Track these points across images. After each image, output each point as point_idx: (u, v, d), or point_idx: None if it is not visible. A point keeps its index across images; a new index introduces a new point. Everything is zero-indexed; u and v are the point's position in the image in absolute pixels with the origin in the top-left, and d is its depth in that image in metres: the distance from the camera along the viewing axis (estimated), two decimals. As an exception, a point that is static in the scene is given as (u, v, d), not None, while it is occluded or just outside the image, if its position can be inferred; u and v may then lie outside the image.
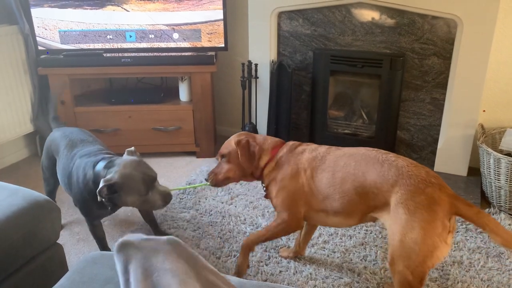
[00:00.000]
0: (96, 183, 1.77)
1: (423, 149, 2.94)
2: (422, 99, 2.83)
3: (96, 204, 1.83)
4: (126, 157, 1.83)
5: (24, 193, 1.64)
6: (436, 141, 2.87)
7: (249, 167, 1.81)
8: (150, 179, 1.77)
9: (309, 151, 1.76)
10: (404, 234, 1.45)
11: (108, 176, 1.72)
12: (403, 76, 2.81)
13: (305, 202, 1.72)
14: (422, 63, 2.75)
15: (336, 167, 1.65)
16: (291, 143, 1.84)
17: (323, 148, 1.76)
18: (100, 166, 1.80)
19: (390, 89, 2.81)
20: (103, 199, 1.71)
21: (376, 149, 1.67)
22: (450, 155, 2.80)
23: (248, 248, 1.83)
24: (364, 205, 1.60)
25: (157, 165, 3.04)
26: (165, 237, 1.08)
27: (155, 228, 2.26)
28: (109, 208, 1.83)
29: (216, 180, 1.86)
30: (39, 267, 1.64)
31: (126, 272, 0.98)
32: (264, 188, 1.85)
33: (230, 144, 1.86)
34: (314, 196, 1.69)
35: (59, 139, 2.13)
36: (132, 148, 1.89)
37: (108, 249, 2.08)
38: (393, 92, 2.82)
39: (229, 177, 1.85)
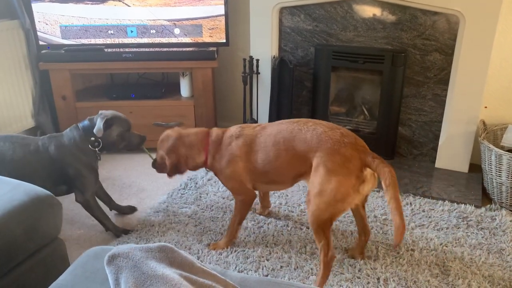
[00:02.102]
0: (86, 131, 2.10)
1: (424, 146, 2.94)
2: (423, 95, 2.83)
3: (90, 156, 2.12)
4: (104, 111, 2.17)
5: (26, 188, 1.64)
6: (437, 137, 2.86)
7: (179, 171, 2.08)
8: (130, 123, 2.21)
9: (235, 135, 1.98)
10: (322, 184, 1.73)
11: (102, 116, 2.10)
12: (405, 72, 2.80)
13: (249, 180, 1.98)
14: (424, 59, 2.74)
15: (267, 146, 1.90)
16: (214, 133, 2.05)
17: (248, 130, 1.98)
18: (83, 123, 2.13)
19: (392, 85, 2.81)
20: (92, 138, 2.08)
21: (296, 120, 1.93)
22: (452, 152, 2.80)
23: (232, 236, 2.11)
24: (295, 172, 1.89)
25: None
26: (156, 244, 1.06)
27: (118, 208, 2.43)
28: (98, 150, 2.13)
29: (164, 172, 2.13)
30: (40, 262, 1.64)
31: (117, 283, 0.97)
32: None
33: (162, 149, 2.09)
34: (254, 174, 1.96)
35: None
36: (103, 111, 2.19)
37: (112, 224, 2.24)
38: (395, 88, 2.82)
39: (172, 172, 2.09)
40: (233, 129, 2.03)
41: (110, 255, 0.98)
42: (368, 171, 1.75)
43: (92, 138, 2.10)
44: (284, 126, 1.91)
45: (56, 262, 1.72)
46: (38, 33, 2.96)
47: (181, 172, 2.09)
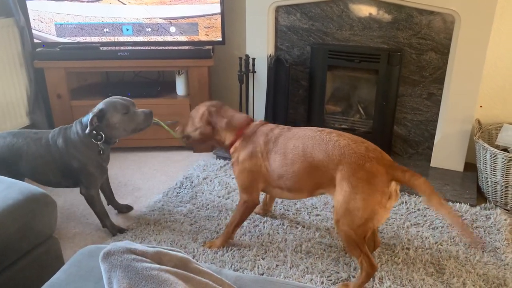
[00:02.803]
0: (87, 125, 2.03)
1: (419, 145, 2.94)
2: (419, 95, 2.83)
3: (94, 150, 2.07)
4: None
5: (20, 186, 1.63)
6: (432, 136, 2.87)
7: (208, 136, 2.05)
8: (128, 101, 2.09)
9: (265, 133, 1.93)
10: (348, 203, 1.68)
11: (93, 109, 2.03)
12: (401, 71, 2.80)
13: (263, 180, 1.93)
14: (420, 58, 2.75)
15: (287, 149, 1.84)
16: (254, 123, 2.01)
17: (277, 130, 1.93)
18: (86, 117, 2.05)
19: (388, 84, 2.81)
20: (94, 131, 2.02)
21: (321, 129, 1.87)
22: (447, 151, 2.81)
23: (228, 236, 2.08)
24: (313, 182, 1.81)
25: (154, 159, 3.04)
26: (151, 248, 1.05)
27: (116, 206, 2.43)
28: (101, 143, 2.07)
29: (182, 134, 2.12)
30: (35, 261, 1.63)
31: (110, 282, 0.96)
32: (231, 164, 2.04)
33: (198, 110, 2.07)
34: (270, 176, 1.90)
35: (11, 143, 2.07)
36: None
37: (110, 222, 2.24)
38: (390, 87, 2.82)
39: (190, 136, 2.09)
40: (267, 125, 1.99)
41: (105, 252, 0.98)
42: (393, 187, 1.69)
43: (94, 132, 2.04)
44: (307, 132, 1.85)
45: (51, 261, 1.71)
46: (33, 31, 2.94)
47: (205, 143, 2.14)
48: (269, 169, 1.88)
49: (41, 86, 3.05)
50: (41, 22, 2.94)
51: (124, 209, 2.43)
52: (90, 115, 2.03)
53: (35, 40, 2.96)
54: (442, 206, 1.64)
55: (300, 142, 1.82)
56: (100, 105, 2.05)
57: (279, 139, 1.88)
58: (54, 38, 2.98)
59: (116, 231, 2.23)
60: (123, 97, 2.11)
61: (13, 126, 2.95)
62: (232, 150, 2.00)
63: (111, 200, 2.40)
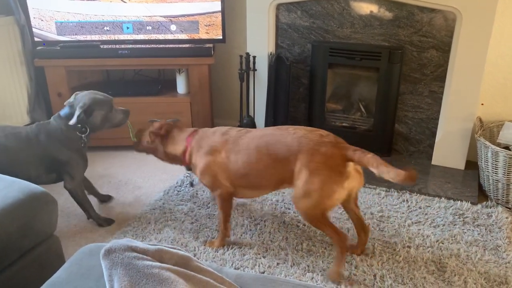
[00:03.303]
0: (69, 119, 2.09)
1: (421, 143, 2.94)
2: (420, 92, 2.82)
3: (77, 142, 2.15)
4: (80, 93, 2.18)
5: (21, 185, 1.63)
6: (434, 134, 2.86)
7: (153, 150, 2.23)
8: (110, 99, 2.21)
9: (220, 133, 2.02)
10: (307, 186, 1.78)
11: (80, 104, 2.09)
12: (402, 69, 2.79)
13: (225, 178, 1.97)
14: (421, 56, 2.74)
15: (249, 149, 1.91)
16: (202, 129, 2.13)
17: (234, 132, 2.01)
18: (63, 111, 2.15)
19: (389, 82, 2.80)
20: (79, 125, 2.11)
21: (279, 127, 1.98)
22: (448, 149, 2.80)
23: (223, 234, 2.09)
24: (277, 177, 1.89)
25: (155, 158, 3.03)
26: (152, 246, 1.05)
27: (97, 195, 2.49)
28: (84, 135, 2.16)
29: (137, 147, 2.30)
30: (35, 259, 1.63)
31: (110, 279, 0.96)
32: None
33: (154, 125, 2.22)
34: (232, 175, 1.95)
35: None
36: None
37: (95, 213, 2.31)
38: (391, 85, 2.81)
39: (140, 143, 2.28)
40: (219, 128, 2.08)
41: (107, 249, 0.98)
42: (351, 167, 1.80)
43: (79, 125, 2.12)
44: (268, 131, 1.96)
45: (52, 259, 1.71)
46: (34, 30, 2.94)
47: (154, 155, 2.26)
48: (230, 169, 1.95)
49: (42, 85, 3.05)
50: (42, 20, 2.94)
51: (106, 198, 2.50)
52: (67, 109, 2.13)
53: (36, 39, 2.96)
54: (389, 171, 1.72)
55: (263, 140, 1.91)
56: (86, 100, 2.12)
57: (240, 140, 1.96)
58: (54, 36, 2.98)
59: (102, 222, 2.28)
60: (103, 93, 2.21)
61: (14, 124, 2.94)
62: (187, 157, 2.09)
63: (93, 190, 2.45)
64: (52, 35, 2.98)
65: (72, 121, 2.07)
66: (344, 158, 1.78)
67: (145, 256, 0.96)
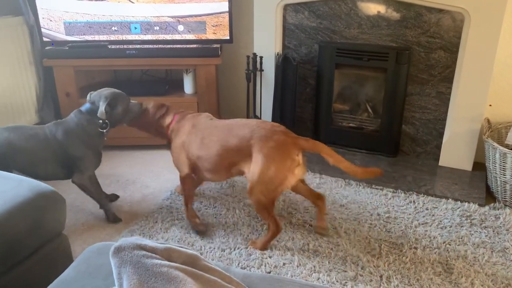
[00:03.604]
0: (92, 114, 2.16)
1: (428, 143, 2.93)
2: (427, 93, 2.82)
3: (96, 138, 2.20)
4: (94, 92, 2.23)
5: (30, 183, 1.65)
6: (441, 135, 2.85)
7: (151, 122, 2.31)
8: (126, 95, 2.27)
9: (194, 118, 2.21)
10: (262, 171, 1.90)
11: (103, 98, 2.15)
12: (409, 70, 2.79)
13: (186, 158, 2.16)
14: (428, 57, 2.73)
15: (205, 134, 2.09)
16: (190, 112, 2.29)
17: (205, 119, 2.19)
18: (85, 107, 2.20)
19: (396, 82, 2.80)
20: (100, 121, 2.15)
21: (236, 119, 2.15)
22: (455, 150, 2.79)
23: (188, 214, 2.25)
24: (228, 163, 2.05)
25: (162, 157, 3.05)
26: (161, 245, 1.06)
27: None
28: (106, 131, 2.20)
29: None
30: (44, 258, 1.65)
31: (120, 277, 0.96)
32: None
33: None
34: (190, 156, 2.14)
35: (11, 136, 2.10)
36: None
37: (107, 201, 2.36)
38: (399, 86, 2.81)
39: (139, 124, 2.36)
40: (203, 114, 2.27)
41: (116, 247, 0.98)
42: (300, 156, 1.96)
43: (100, 120, 2.17)
44: (225, 122, 2.13)
45: (60, 258, 1.73)
46: (42, 30, 2.96)
47: (145, 128, 2.37)
48: (188, 150, 2.14)
49: (50, 84, 3.08)
50: (50, 20, 2.96)
51: (113, 198, 2.52)
52: (88, 105, 2.19)
53: (45, 39, 2.98)
54: (341, 161, 1.94)
55: (219, 130, 2.08)
56: (107, 94, 2.18)
57: (201, 126, 2.14)
58: (63, 36, 3.00)
59: (111, 215, 2.31)
60: (115, 89, 2.26)
61: (22, 123, 2.98)
62: (169, 133, 2.26)
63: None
64: (60, 35, 3.00)
65: (100, 112, 2.12)
66: (296, 146, 1.93)
67: (153, 255, 0.97)
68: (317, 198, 2.20)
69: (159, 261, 0.95)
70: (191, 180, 2.22)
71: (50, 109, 3.12)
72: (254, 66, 3.04)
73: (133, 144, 3.10)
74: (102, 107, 2.13)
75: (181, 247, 1.05)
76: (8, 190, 1.58)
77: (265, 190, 1.93)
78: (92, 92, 2.24)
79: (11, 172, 1.99)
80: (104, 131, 2.20)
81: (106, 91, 2.21)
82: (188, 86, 3.17)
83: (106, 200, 2.36)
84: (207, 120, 2.18)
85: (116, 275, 0.94)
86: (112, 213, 2.32)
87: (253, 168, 1.94)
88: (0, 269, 1.47)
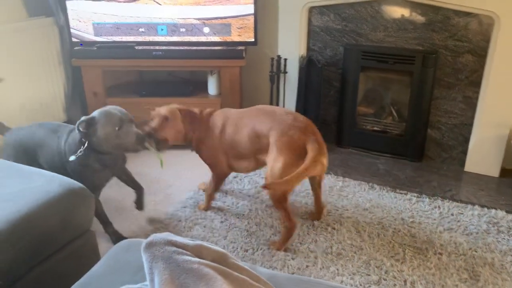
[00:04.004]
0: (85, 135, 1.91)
1: (453, 149, 2.88)
2: (454, 98, 2.78)
3: (94, 165, 1.96)
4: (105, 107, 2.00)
5: (60, 180, 1.69)
6: (467, 140, 2.81)
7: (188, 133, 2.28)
8: (126, 117, 1.94)
9: (221, 113, 2.28)
10: (273, 165, 1.98)
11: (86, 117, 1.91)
12: (435, 74, 2.75)
13: (224, 155, 2.23)
14: (456, 61, 2.69)
15: (238, 120, 2.17)
16: (209, 110, 2.33)
17: (231, 110, 2.29)
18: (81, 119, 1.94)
19: (422, 86, 2.77)
20: (82, 137, 1.89)
21: (264, 105, 2.26)
22: (482, 155, 2.74)
23: (210, 196, 2.40)
24: (256, 149, 2.11)
25: (184, 157, 3.07)
26: (191, 242, 1.07)
27: (138, 189, 2.34)
28: (82, 150, 1.90)
29: (158, 141, 2.21)
30: (72, 253, 1.68)
31: (151, 272, 0.98)
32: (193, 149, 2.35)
33: (171, 109, 2.27)
34: (224, 148, 2.20)
35: (35, 132, 2.08)
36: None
37: (110, 223, 2.19)
38: (425, 90, 2.78)
39: (167, 139, 2.25)
40: (225, 109, 2.32)
41: (148, 243, 1.00)
42: (311, 155, 1.95)
43: (83, 139, 1.91)
44: (253, 109, 2.21)
45: (87, 254, 1.76)
46: (72, 30, 3.03)
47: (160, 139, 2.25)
48: (224, 141, 2.20)
49: (78, 84, 3.14)
50: (79, 21, 3.03)
51: (139, 189, 2.35)
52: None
53: (73, 39, 3.05)
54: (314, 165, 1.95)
55: (247, 116, 2.17)
56: (95, 112, 1.93)
57: (233, 115, 2.22)
58: (91, 37, 3.07)
59: (115, 238, 2.15)
60: (122, 109, 1.99)
61: (50, 121, 3.04)
62: (194, 140, 2.29)
63: (130, 177, 2.33)
64: (89, 35, 3.06)
65: (76, 129, 1.88)
66: (305, 146, 1.97)
67: (184, 251, 0.98)
68: (318, 210, 2.32)
69: (189, 258, 0.97)
70: (225, 178, 2.34)
71: (78, 108, 3.19)
72: (278, 68, 3.05)
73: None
74: (79, 121, 1.88)
75: (211, 244, 1.07)
76: (39, 186, 1.62)
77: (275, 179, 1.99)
78: (108, 107, 2.01)
79: (42, 167, 2.03)
80: (81, 148, 1.90)
81: (104, 109, 1.95)
82: (212, 87, 3.20)
83: (108, 223, 2.16)
84: (236, 111, 2.26)
85: (147, 270, 0.96)
86: (116, 235, 2.17)
87: (268, 159, 2.03)
88: (31, 263, 1.51)
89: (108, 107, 1.97)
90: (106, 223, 2.17)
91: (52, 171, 1.94)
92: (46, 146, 2.06)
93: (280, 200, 2.02)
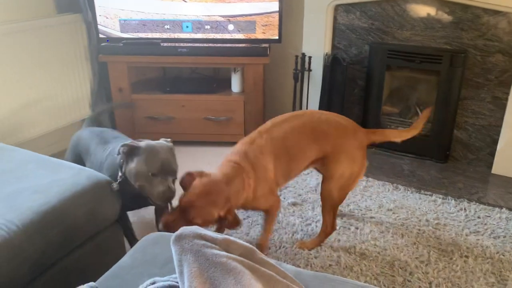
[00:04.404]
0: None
1: (480, 150, 2.82)
2: (482, 98, 2.72)
3: (128, 190, 1.77)
4: (159, 141, 1.82)
5: (88, 173, 1.72)
6: (495, 142, 2.74)
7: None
8: (169, 167, 1.73)
9: (254, 149, 1.83)
10: (337, 169, 1.92)
11: (135, 143, 1.75)
12: (464, 73, 2.70)
13: (275, 185, 1.91)
14: (485, 60, 2.63)
15: (287, 144, 1.87)
16: (241, 161, 1.79)
17: (259, 140, 1.86)
18: (128, 142, 1.77)
19: (449, 86, 2.72)
20: (120, 159, 1.75)
21: (301, 112, 2.02)
22: (511, 157, 2.68)
23: (264, 248, 2.04)
24: (311, 160, 1.95)
25: (206, 153, 3.09)
26: (220, 235, 1.07)
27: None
28: (120, 178, 1.75)
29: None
30: (99, 245, 1.71)
31: (180, 264, 0.99)
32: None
33: (208, 212, 1.66)
34: (279, 171, 1.89)
35: (88, 137, 2.06)
36: (169, 139, 1.85)
37: (136, 239, 2.00)
38: (452, 90, 2.73)
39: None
40: (242, 149, 1.84)
41: (177, 235, 1.01)
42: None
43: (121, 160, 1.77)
44: (297, 121, 1.92)
45: (113, 246, 1.79)
46: (99, 27, 3.07)
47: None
48: (277, 169, 1.87)
49: (104, 80, 3.18)
50: (107, 18, 3.07)
51: None
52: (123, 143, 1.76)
53: (100, 35, 3.09)
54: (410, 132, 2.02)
55: (298, 131, 1.91)
56: (143, 143, 1.77)
57: (272, 141, 1.86)
58: (118, 33, 3.10)
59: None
60: (172, 153, 1.79)
61: (77, 117, 3.10)
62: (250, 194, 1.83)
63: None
64: (115, 32, 3.10)
65: (112, 152, 1.80)
66: (367, 142, 1.98)
67: (213, 245, 0.98)
68: None
69: (218, 252, 0.97)
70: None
71: (103, 104, 3.23)
72: (302, 66, 3.04)
73: (178, 140, 3.16)
74: (117, 148, 1.77)
75: (238, 240, 1.07)
76: (68, 178, 1.65)
77: (340, 187, 1.96)
78: (166, 139, 1.86)
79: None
80: (118, 176, 1.76)
81: (156, 145, 1.76)
82: (236, 84, 3.20)
83: (135, 240, 1.97)
84: (266, 134, 1.87)
85: (176, 263, 0.97)
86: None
87: (330, 165, 1.93)
88: (59, 254, 1.54)
89: (160, 145, 1.77)
90: (133, 240, 2.01)
91: None
92: (92, 155, 1.99)
93: (334, 206, 2.01)
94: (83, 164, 2.01)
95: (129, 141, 1.79)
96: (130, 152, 1.73)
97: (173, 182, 1.76)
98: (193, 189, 1.67)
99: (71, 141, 2.20)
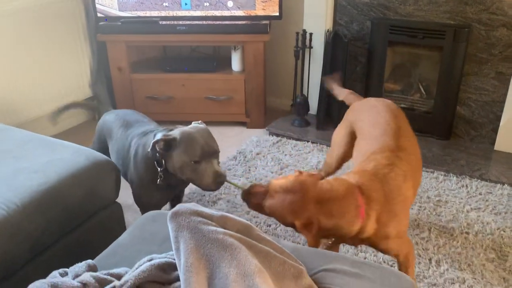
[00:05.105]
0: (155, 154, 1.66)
1: (483, 126, 2.80)
2: (486, 74, 2.68)
3: (154, 184, 1.72)
4: (191, 125, 1.72)
5: (87, 152, 1.71)
6: (498, 118, 2.71)
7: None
8: (210, 149, 1.64)
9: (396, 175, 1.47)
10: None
11: (169, 131, 1.67)
12: (467, 49, 2.66)
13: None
14: (489, 35, 2.58)
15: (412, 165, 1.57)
16: (364, 183, 1.41)
17: (385, 168, 1.47)
18: (159, 134, 1.66)
19: (452, 62, 2.68)
20: (157, 154, 1.63)
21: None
22: (514, 134, 2.66)
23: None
24: None
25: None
26: (217, 212, 1.06)
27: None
28: (161, 170, 1.66)
29: (253, 206, 1.43)
30: (99, 223, 1.72)
31: (177, 241, 0.99)
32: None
33: (281, 214, 1.34)
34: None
35: (111, 121, 1.99)
36: (199, 121, 1.77)
37: None
38: (455, 65, 2.69)
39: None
40: (367, 176, 1.45)
41: (174, 212, 1.01)
42: None
43: (157, 154, 1.66)
44: (393, 124, 1.65)
45: (114, 224, 1.80)
46: (97, 5, 3.02)
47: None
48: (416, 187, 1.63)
49: (103, 59, 3.16)
50: (104, -4, 3.02)
51: None
52: (159, 135, 1.66)
53: (99, 14, 3.05)
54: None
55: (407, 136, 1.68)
56: (177, 131, 1.65)
57: (403, 160, 1.55)
58: (116, 12, 3.06)
59: None
60: (209, 134, 1.70)
61: (77, 97, 3.09)
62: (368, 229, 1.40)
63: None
64: (114, 10, 3.06)
65: (149, 149, 1.66)
66: None
67: (210, 222, 0.98)
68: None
69: (215, 228, 0.97)
70: None
71: (103, 84, 3.22)
72: (303, 43, 2.99)
73: (178, 119, 3.15)
74: (156, 136, 1.66)
75: (235, 216, 1.07)
76: (66, 158, 1.65)
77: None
78: (197, 122, 1.77)
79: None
80: (159, 169, 1.68)
81: (190, 131, 1.66)
82: (236, 63, 3.17)
83: None
84: (392, 156, 1.53)
85: (173, 239, 0.97)
86: None
87: None
88: (60, 232, 1.55)
89: (194, 129, 1.68)
90: None
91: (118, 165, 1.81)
92: (115, 140, 1.92)
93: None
94: (104, 149, 1.96)
95: (159, 132, 1.68)
96: (167, 147, 1.62)
97: (218, 163, 1.67)
98: (286, 182, 1.36)
99: (97, 126, 2.11)
